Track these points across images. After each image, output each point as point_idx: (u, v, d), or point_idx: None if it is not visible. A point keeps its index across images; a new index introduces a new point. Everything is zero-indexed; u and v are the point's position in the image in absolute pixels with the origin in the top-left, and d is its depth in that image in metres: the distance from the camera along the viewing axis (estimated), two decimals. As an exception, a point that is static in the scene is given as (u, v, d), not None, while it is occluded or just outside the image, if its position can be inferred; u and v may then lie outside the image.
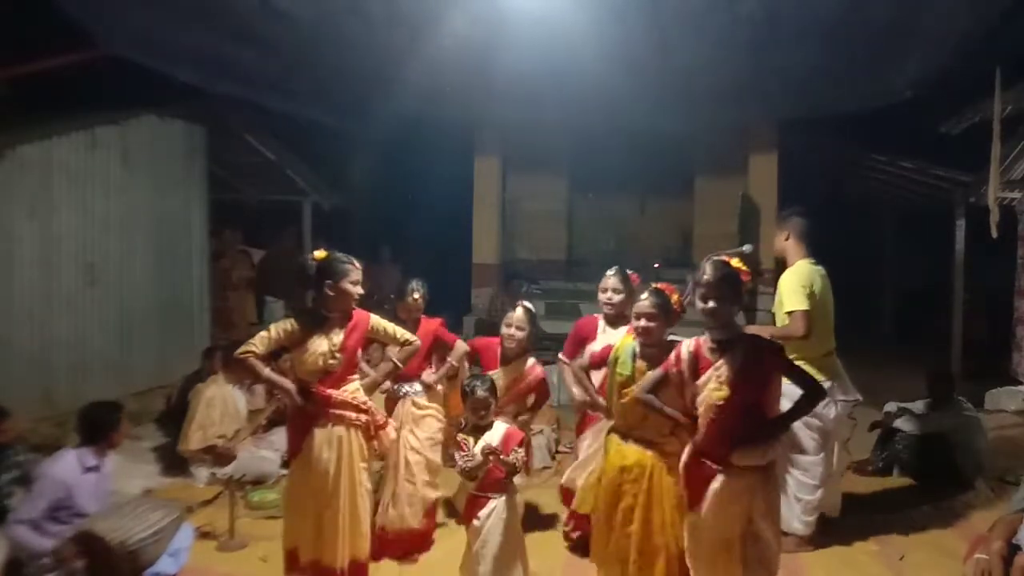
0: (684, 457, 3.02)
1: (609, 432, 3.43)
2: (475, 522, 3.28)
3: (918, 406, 6.06)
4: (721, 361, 2.87)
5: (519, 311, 4.21)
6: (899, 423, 5.93)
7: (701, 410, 2.91)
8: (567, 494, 4.27)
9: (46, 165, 6.39)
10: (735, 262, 3.01)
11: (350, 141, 10.65)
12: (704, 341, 2.96)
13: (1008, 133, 6.47)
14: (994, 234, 5.98)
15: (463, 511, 3.44)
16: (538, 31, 5.76)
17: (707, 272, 2.94)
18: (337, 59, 6.67)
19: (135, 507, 3.87)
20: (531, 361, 4.28)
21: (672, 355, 3.04)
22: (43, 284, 6.35)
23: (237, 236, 9.40)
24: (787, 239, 4.41)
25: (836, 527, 4.84)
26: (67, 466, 3.77)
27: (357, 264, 3.53)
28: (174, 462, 5.72)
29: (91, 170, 6.82)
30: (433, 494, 4.20)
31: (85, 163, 6.76)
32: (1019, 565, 3.37)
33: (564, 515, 4.42)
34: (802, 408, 2.99)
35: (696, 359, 2.95)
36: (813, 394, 2.96)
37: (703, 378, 2.90)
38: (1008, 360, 7.68)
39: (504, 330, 4.20)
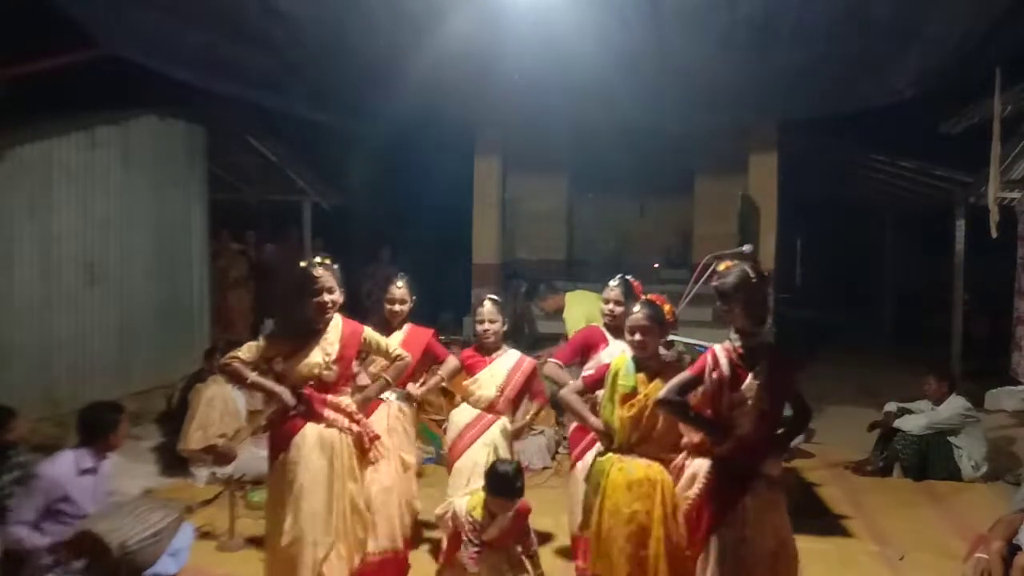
0: (708, 472, 2.88)
1: (602, 453, 3.24)
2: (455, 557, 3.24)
3: (918, 406, 6.07)
4: (759, 368, 2.80)
5: (487, 304, 4.05)
6: (899, 423, 5.94)
7: (740, 419, 2.78)
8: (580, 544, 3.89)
9: (46, 165, 6.39)
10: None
11: (350, 141, 10.65)
12: (732, 348, 2.85)
13: (1008, 133, 6.46)
14: (994, 234, 5.98)
15: (446, 546, 3.34)
16: (538, 31, 5.76)
17: (754, 275, 2.85)
18: (338, 59, 6.67)
19: (135, 507, 3.88)
20: (516, 355, 4.08)
21: (708, 360, 2.87)
22: (43, 284, 6.35)
23: (249, 237, 9.41)
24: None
25: (836, 527, 4.85)
26: (63, 468, 3.75)
27: (324, 270, 3.43)
28: (174, 462, 5.72)
29: (91, 170, 6.81)
30: (410, 509, 4.05)
31: (85, 163, 6.76)
32: (1019, 565, 3.38)
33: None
34: (798, 428, 3.03)
35: (733, 365, 2.83)
36: (804, 417, 3.02)
37: (745, 385, 2.78)
38: (1008, 360, 7.68)
39: (478, 326, 4.04)
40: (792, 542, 2.89)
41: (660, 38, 6.01)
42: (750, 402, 2.77)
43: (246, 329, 9.07)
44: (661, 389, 2.96)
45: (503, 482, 3.23)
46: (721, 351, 2.86)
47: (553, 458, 6.00)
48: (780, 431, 2.93)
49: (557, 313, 6.06)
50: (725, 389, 2.81)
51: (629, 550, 3.02)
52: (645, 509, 3.01)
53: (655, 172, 10.01)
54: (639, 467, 3.07)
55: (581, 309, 5.45)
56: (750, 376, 2.78)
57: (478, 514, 3.23)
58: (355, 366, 3.67)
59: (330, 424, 3.43)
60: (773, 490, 2.86)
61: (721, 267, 2.96)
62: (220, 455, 5.48)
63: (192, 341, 7.89)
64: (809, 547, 4.39)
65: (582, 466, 3.79)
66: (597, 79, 6.65)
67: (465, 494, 3.41)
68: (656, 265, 10.14)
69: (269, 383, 3.43)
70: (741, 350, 2.83)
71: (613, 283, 4.02)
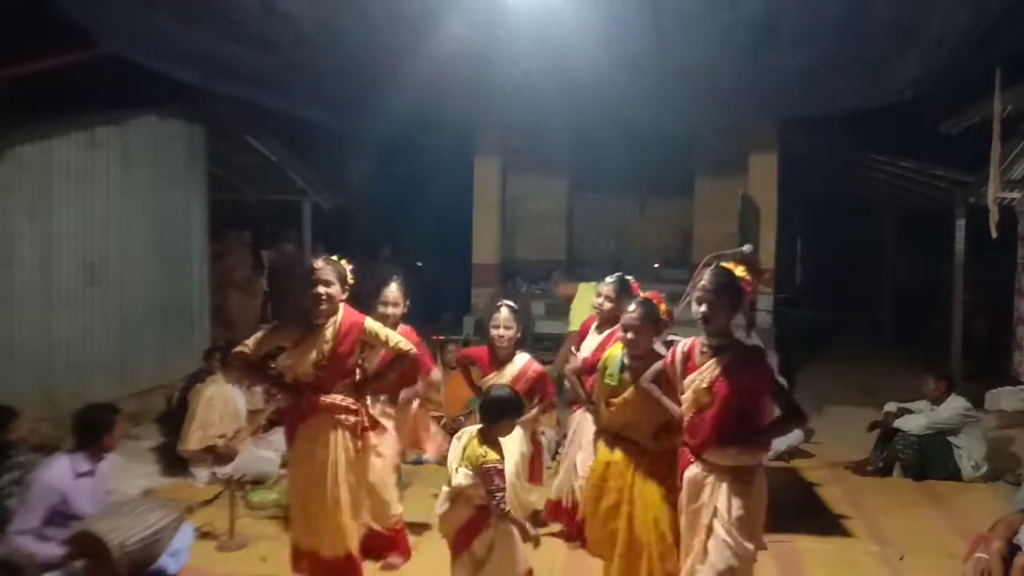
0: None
1: (596, 435, 3.57)
2: (469, 551, 3.22)
3: (918, 406, 6.08)
4: (707, 365, 2.96)
5: (504, 311, 4.20)
6: (899, 423, 5.94)
7: (684, 407, 3.03)
8: (554, 508, 4.33)
9: (46, 165, 6.38)
10: (739, 271, 3.05)
11: (350, 141, 10.65)
12: (698, 343, 3.05)
13: (1008, 133, 6.46)
14: (994, 234, 5.98)
15: (454, 534, 3.29)
16: (538, 31, 5.76)
17: (705, 280, 2.99)
18: (337, 59, 6.66)
19: (135, 507, 3.88)
20: (525, 358, 4.25)
21: (670, 351, 3.14)
22: (43, 284, 6.34)
23: (245, 237, 9.40)
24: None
25: (836, 527, 4.85)
26: (60, 472, 3.75)
27: (325, 264, 3.51)
28: (174, 462, 5.72)
29: (91, 170, 6.81)
30: (396, 494, 4.21)
31: (85, 163, 6.75)
32: (1019, 565, 3.38)
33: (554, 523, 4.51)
34: (778, 429, 3.18)
35: (687, 359, 3.05)
36: (790, 417, 3.06)
37: (688, 379, 3.00)
38: (1008, 360, 7.68)
39: (493, 332, 4.18)
40: (727, 530, 2.88)
41: (660, 38, 6.01)
42: (688, 394, 2.99)
43: (247, 329, 9.04)
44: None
45: (504, 404, 3.29)
46: (682, 345, 3.11)
47: (553, 458, 5.99)
48: (754, 428, 2.98)
49: (568, 300, 6.15)
50: (677, 378, 3.09)
51: (603, 523, 3.36)
52: (617, 487, 3.31)
53: (655, 172, 10.01)
54: (619, 452, 3.37)
55: (589, 300, 5.59)
56: (696, 371, 2.98)
57: (493, 458, 3.16)
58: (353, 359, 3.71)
59: (326, 420, 3.52)
60: (712, 471, 2.95)
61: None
62: (220, 455, 5.49)
63: (192, 341, 7.89)
64: (809, 547, 4.43)
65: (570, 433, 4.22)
66: (597, 79, 6.65)
67: (459, 468, 3.30)
68: (656, 265, 10.14)
69: (278, 380, 3.56)
70: (703, 346, 3.02)
71: (609, 279, 4.29)
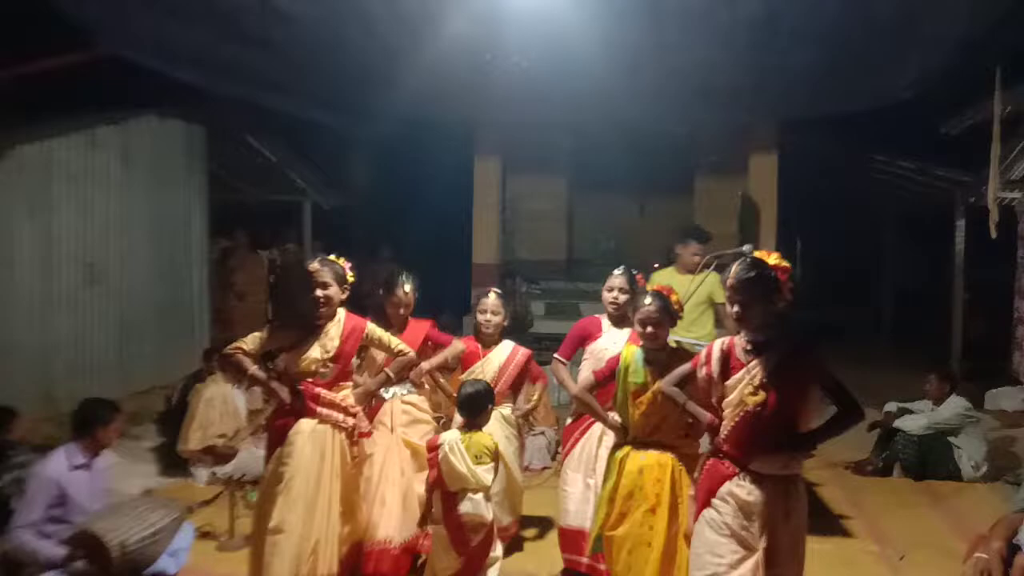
0: (703, 460, 2.92)
1: (617, 447, 3.33)
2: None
3: (918, 406, 6.08)
4: (755, 363, 2.71)
5: (492, 296, 4.19)
6: (899, 423, 5.94)
7: (728, 412, 2.75)
8: (572, 538, 3.87)
9: (46, 165, 6.39)
10: (773, 259, 2.82)
11: (350, 141, 10.65)
12: (739, 341, 2.79)
13: (1008, 133, 6.47)
14: (993, 234, 5.98)
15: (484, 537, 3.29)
16: (538, 31, 5.76)
17: (731, 277, 2.75)
18: (337, 59, 6.67)
19: (135, 507, 3.88)
20: (511, 344, 4.19)
21: (703, 353, 2.90)
22: (43, 284, 6.35)
23: (245, 237, 9.40)
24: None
25: (836, 527, 4.85)
26: (56, 465, 3.76)
27: (321, 266, 3.50)
28: (174, 462, 5.72)
29: (91, 170, 6.82)
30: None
31: (85, 163, 6.76)
32: (1019, 565, 3.37)
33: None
34: (836, 427, 2.77)
35: (727, 359, 2.79)
36: (850, 413, 2.73)
37: (733, 379, 2.74)
38: (1008, 360, 7.69)
39: (479, 316, 4.15)
40: (788, 544, 2.75)
41: (660, 37, 6.01)
42: (736, 395, 2.72)
43: (248, 330, 9.01)
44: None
45: (483, 396, 3.47)
46: (719, 344, 2.85)
47: (553, 458, 6.00)
48: (802, 432, 2.77)
49: (690, 270, 5.70)
50: (716, 382, 2.81)
51: (636, 531, 3.15)
52: (655, 492, 3.14)
53: (655, 172, 9.99)
54: (651, 455, 3.21)
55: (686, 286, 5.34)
56: (743, 370, 2.73)
57: (496, 443, 3.40)
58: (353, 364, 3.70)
59: (324, 420, 3.46)
60: (763, 485, 2.70)
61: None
62: (220, 455, 5.49)
63: (192, 341, 7.90)
64: (809, 547, 4.37)
65: (577, 453, 3.87)
66: (597, 79, 6.64)
67: (481, 467, 3.28)
68: (656, 265, 10.12)
69: (267, 378, 3.49)
70: (747, 344, 2.77)
71: (617, 272, 4.04)
